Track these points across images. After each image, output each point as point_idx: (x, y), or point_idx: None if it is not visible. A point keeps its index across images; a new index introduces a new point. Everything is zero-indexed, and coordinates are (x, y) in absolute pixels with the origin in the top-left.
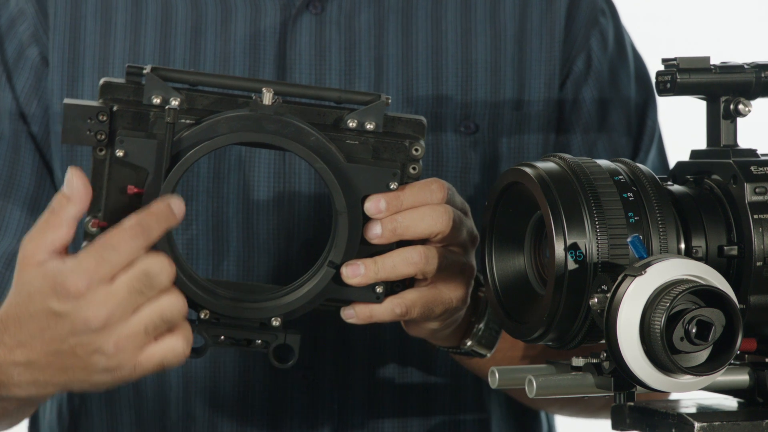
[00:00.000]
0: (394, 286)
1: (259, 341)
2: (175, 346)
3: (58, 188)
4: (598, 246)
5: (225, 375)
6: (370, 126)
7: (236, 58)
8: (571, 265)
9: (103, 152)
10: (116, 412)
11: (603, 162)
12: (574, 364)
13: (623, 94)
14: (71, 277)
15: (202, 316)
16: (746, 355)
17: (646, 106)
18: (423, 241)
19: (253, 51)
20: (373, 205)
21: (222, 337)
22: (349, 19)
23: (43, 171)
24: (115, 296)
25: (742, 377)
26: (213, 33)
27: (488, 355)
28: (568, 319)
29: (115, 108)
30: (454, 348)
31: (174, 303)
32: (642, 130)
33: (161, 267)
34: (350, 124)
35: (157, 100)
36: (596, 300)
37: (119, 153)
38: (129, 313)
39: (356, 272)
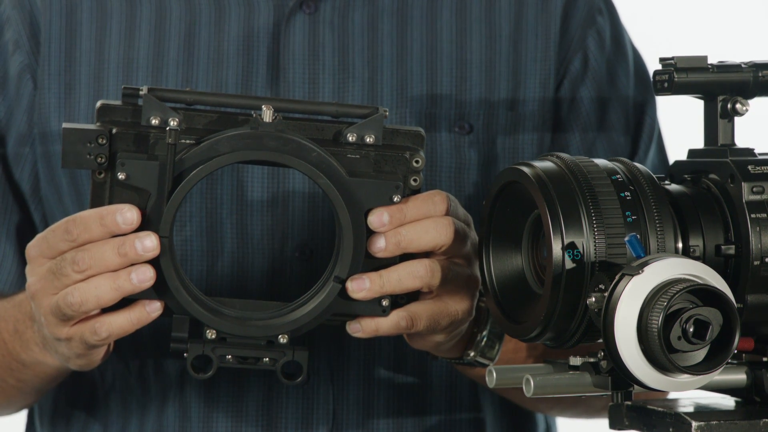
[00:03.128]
0: (399, 299)
1: (267, 359)
2: (85, 333)
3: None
4: (595, 245)
5: (220, 375)
6: (369, 139)
7: (230, 59)
8: (569, 264)
9: (102, 175)
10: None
11: (600, 161)
12: (571, 363)
13: (621, 93)
14: (29, 246)
15: (208, 335)
16: (744, 354)
17: (645, 104)
18: (427, 254)
19: (246, 51)
20: (377, 218)
21: (229, 357)
22: (343, 18)
23: (6, 188)
24: (39, 271)
25: (740, 376)
26: (207, 33)
27: (491, 364)
28: (566, 319)
29: (114, 131)
30: (456, 359)
31: (72, 298)
32: (641, 129)
33: (72, 260)
34: (350, 138)
35: (155, 121)
36: (594, 299)
37: (121, 176)
38: (49, 291)
39: (362, 286)
